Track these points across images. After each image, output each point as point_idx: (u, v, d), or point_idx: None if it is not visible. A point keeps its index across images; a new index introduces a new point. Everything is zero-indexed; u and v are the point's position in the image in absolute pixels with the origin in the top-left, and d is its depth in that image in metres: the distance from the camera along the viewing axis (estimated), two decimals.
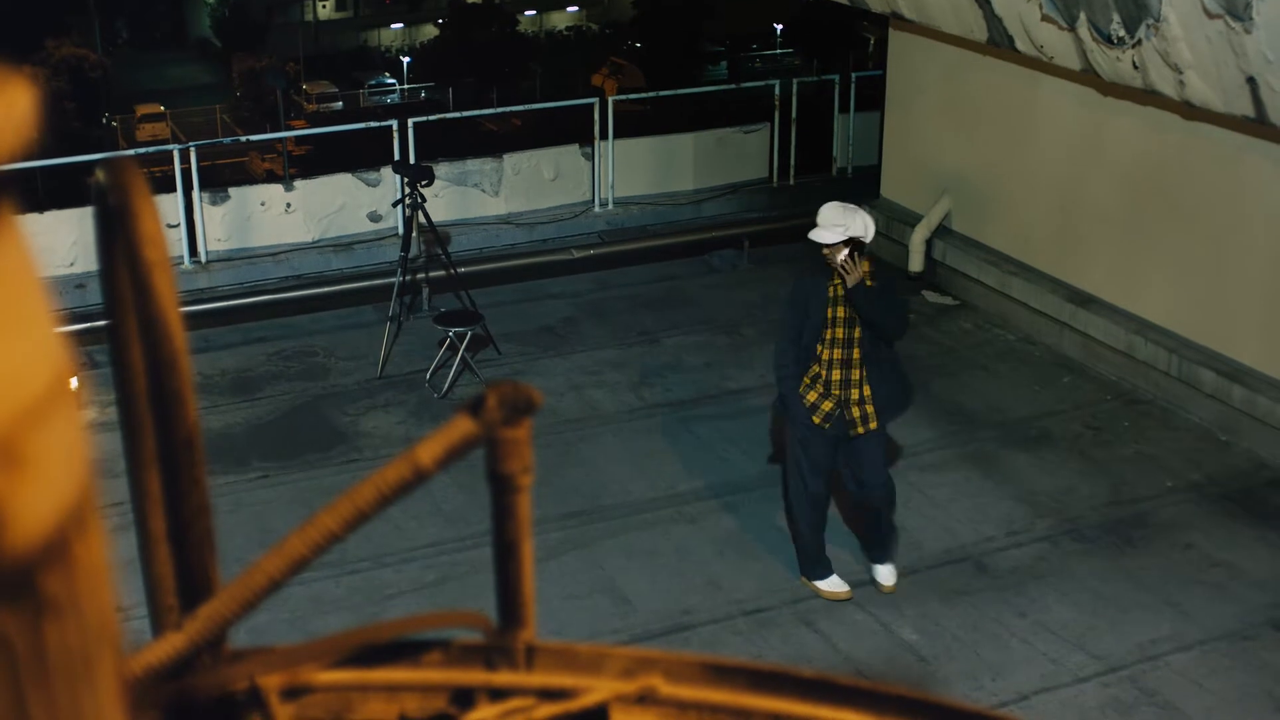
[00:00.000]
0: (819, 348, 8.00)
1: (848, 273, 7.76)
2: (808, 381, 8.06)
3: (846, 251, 7.76)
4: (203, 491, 1.17)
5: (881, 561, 8.64)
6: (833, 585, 8.55)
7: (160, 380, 1.13)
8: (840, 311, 7.92)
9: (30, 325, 0.78)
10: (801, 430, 8.19)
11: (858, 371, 7.99)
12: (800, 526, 8.50)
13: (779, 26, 59.70)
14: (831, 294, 7.91)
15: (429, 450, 1.12)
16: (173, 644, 1.13)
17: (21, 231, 0.80)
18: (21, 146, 0.74)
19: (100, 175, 1.10)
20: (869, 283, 7.82)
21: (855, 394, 8.01)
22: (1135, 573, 8.71)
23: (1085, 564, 8.82)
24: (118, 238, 1.09)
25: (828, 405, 8.04)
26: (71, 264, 12.10)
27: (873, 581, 8.60)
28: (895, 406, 8.21)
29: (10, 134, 0.73)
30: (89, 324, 10.36)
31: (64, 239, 12.12)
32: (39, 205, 13.24)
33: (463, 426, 1.13)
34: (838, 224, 7.78)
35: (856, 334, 7.94)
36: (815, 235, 7.86)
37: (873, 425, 8.06)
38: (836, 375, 8.00)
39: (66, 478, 0.79)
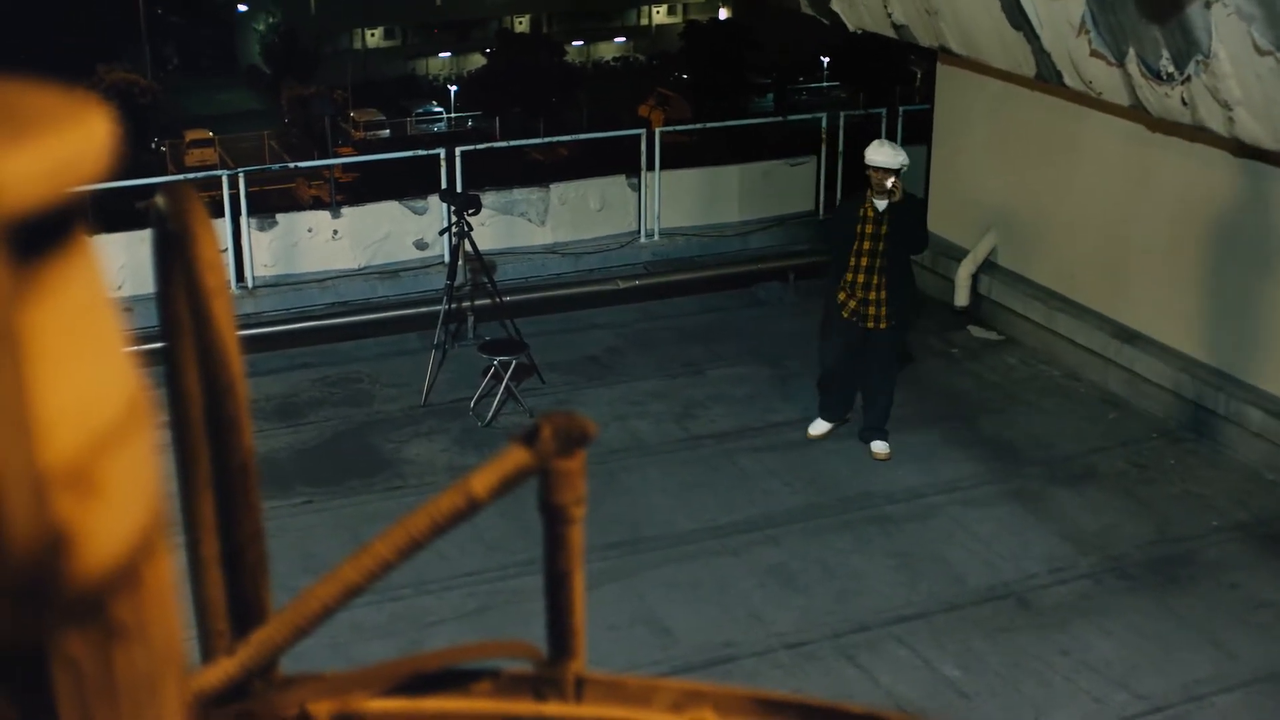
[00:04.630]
0: (849, 258, 10.10)
1: (896, 192, 9.87)
2: (842, 283, 10.20)
3: (894, 178, 9.86)
4: (257, 517, 1.18)
5: (875, 439, 10.62)
6: (815, 427, 10.92)
7: (217, 405, 1.13)
8: (868, 229, 10.01)
9: (104, 350, 0.79)
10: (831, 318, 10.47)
11: (876, 277, 10.08)
12: (819, 380, 10.92)
13: (826, 59, 59.71)
14: (861, 214, 10.05)
15: (482, 480, 1.12)
16: (225, 669, 1.13)
17: (95, 256, 0.80)
18: (100, 174, 0.75)
19: (160, 200, 1.10)
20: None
21: (873, 295, 10.12)
22: (1180, 612, 8.64)
23: (1129, 602, 8.75)
24: (176, 262, 1.10)
25: (852, 303, 10.18)
26: (120, 287, 12.17)
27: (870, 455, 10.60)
28: (903, 308, 10.33)
29: (91, 161, 0.74)
30: (137, 347, 10.43)
31: (113, 262, 12.19)
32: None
33: (517, 457, 1.14)
34: (897, 154, 9.92)
35: (881, 247, 10.01)
36: (883, 159, 9.90)
37: (883, 325, 10.18)
38: (860, 279, 10.10)
39: (138, 504, 0.80)
